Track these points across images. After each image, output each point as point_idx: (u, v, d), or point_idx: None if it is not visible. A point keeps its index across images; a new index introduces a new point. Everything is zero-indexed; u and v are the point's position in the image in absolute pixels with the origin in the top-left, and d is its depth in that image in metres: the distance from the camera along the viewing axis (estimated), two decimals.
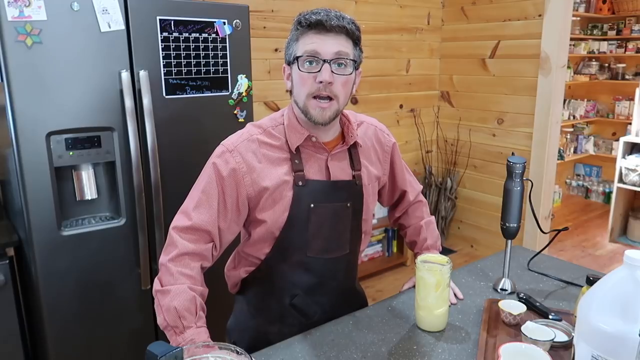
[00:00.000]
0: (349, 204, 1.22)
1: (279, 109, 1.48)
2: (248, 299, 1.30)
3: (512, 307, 1.17)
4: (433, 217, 1.48)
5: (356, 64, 1.14)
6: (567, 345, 1.06)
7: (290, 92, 1.18)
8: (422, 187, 1.48)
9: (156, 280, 1.12)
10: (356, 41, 1.14)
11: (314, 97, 1.10)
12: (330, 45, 1.08)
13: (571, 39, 3.77)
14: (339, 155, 1.21)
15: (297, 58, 1.10)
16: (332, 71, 1.08)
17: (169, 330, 1.07)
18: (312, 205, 1.16)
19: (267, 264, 1.22)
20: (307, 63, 1.09)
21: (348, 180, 1.21)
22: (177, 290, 1.08)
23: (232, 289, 1.34)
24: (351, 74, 1.13)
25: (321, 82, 1.08)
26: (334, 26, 1.08)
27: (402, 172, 1.41)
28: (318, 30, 1.08)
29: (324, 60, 1.08)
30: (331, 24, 1.07)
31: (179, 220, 1.15)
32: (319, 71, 1.08)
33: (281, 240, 1.18)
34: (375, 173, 1.30)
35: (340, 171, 1.21)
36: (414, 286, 1.27)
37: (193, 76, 1.87)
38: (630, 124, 4.19)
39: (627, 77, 4.80)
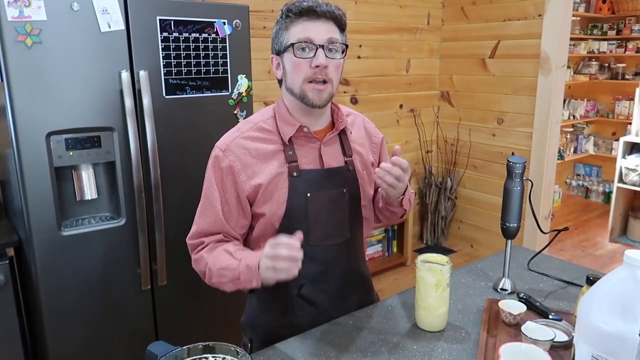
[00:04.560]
0: (344, 190, 1.24)
1: None
2: (258, 294, 1.32)
3: (512, 307, 1.17)
4: (412, 197, 1.37)
5: (345, 49, 1.19)
6: (567, 345, 1.06)
7: (280, 81, 1.23)
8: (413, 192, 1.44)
9: (203, 278, 1.22)
10: (343, 27, 1.19)
11: (310, 82, 1.14)
12: (321, 31, 1.13)
13: (571, 39, 3.77)
14: (331, 142, 1.25)
15: (291, 45, 1.13)
16: (325, 55, 1.13)
17: (239, 285, 1.13)
18: (308, 194, 1.19)
19: None
20: (301, 49, 1.13)
21: (341, 166, 1.24)
22: (211, 258, 1.17)
23: None
24: (341, 58, 1.18)
25: (317, 66, 1.12)
26: (324, 12, 1.13)
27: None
28: (309, 17, 1.13)
29: (317, 46, 1.12)
30: (322, 10, 1.13)
31: (192, 227, 1.24)
32: (314, 56, 1.12)
33: (282, 232, 1.19)
34: (369, 159, 1.33)
35: (333, 158, 1.24)
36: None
37: (193, 76, 1.87)
38: (630, 123, 4.19)
39: (627, 77, 4.81)
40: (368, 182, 1.31)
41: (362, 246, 1.38)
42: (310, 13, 1.12)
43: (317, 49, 1.12)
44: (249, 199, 1.20)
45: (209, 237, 1.21)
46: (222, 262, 1.14)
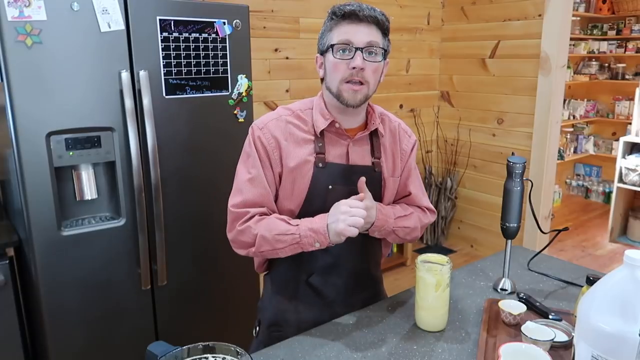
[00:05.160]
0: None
1: None
2: (272, 278, 1.36)
3: (512, 307, 1.17)
4: (420, 227, 1.37)
5: (385, 53, 1.21)
6: (567, 345, 1.06)
7: (322, 80, 1.27)
8: (433, 209, 1.42)
9: (247, 251, 1.23)
10: (385, 32, 1.21)
11: (347, 82, 1.17)
12: (362, 34, 1.16)
13: (571, 39, 3.77)
14: (361, 141, 1.27)
15: (332, 46, 1.17)
16: (363, 58, 1.16)
17: (297, 249, 1.17)
18: (330, 186, 1.23)
19: None
20: (341, 51, 1.17)
21: (367, 165, 1.27)
22: (262, 228, 1.18)
23: (258, 268, 1.39)
24: (381, 61, 1.20)
25: (354, 67, 1.15)
26: (366, 16, 1.16)
27: (410, 171, 1.38)
28: (351, 20, 1.16)
29: (357, 48, 1.15)
30: (364, 14, 1.16)
31: (234, 198, 1.24)
32: (352, 58, 1.16)
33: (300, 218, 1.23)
34: (398, 167, 1.34)
35: (360, 157, 1.27)
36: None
37: (193, 76, 1.87)
38: (630, 123, 4.19)
39: (627, 77, 4.80)
40: (393, 188, 1.33)
41: (378, 248, 1.39)
42: (352, 16, 1.16)
43: (355, 51, 1.15)
44: (279, 176, 1.24)
45: (255, 208, 1.22)
46: (279, 228, 1.16)
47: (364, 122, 1.29)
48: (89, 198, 1.75)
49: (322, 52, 1.23)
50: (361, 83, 1.17)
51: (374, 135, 1.29)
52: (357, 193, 1.23)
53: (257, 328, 1.37)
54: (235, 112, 2.00)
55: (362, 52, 1.15)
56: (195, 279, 2.00)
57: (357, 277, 1.33)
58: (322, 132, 1.24)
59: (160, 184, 1.81)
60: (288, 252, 1.18)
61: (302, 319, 1.25)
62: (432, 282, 1.14)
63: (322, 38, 1.22)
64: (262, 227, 1.18)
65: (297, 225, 1.16)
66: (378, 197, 1.28)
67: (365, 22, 1.16)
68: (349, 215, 1.10)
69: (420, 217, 1.37)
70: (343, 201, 1.14)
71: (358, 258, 1.32)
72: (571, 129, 4.88)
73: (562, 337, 1.08)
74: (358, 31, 1.16)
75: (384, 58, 1.22)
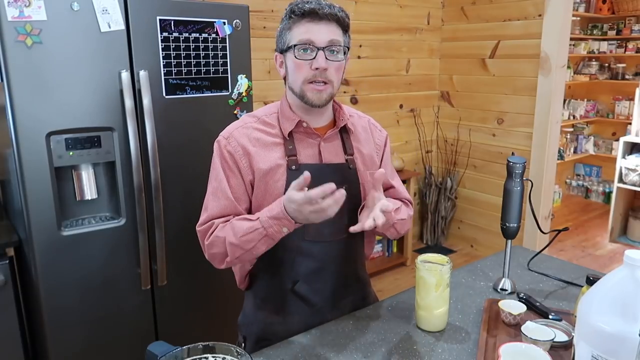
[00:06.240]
0: (344, 187, 1.22)
1: None
2: (254, 292, 1.33)
3: (512, 307, 1.17)
4: (410, 217, 1.37)
5: (347, 50, 1.19)
6: (567, 345, 1.06)
7: (284, 79, 1.24)
8: (412, 200, 1.42)
9: (225, 262, 1.19)
10: (346, 28, 1.19)
11: (310, 82, 1.15)
12: (323, 33, 1.14)
13: (571, 39, 3.77)
14: (331, 139, 1.25)
15: (293, 46, 1.15)
16: (326, 58, 1.14)
17: (269, 242, 1.12)
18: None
19: (267, 252, 1.22)
20: (302, 51, 1.14)
21: (341, 163, 1.25)
22: (228, 234, 1.14)
23: (240, 284, 1.36)
24: (343, 60, 1.18)
25: (317, 68, 1.13)
26: (327, 14, 1.13)
27: (387, 164, 1.38)
28: (311, 19, 1.14)
29: (319, 48, 1.13)
30: (324, 12, 1.13)
31: (201, 217, 1.23)
32: (314, 58, 1.14)
33: None
34: (375, 161, 1.32)
35: (333, 155, 1.24)
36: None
37: (193, 76, 1.87)
38: (630, 123, 4.19)
39: (627, 77, 4.81)
40: (370, 183, 1.30)
41: (362, 249, 1.36)
42: (312, 15, 1.13)
43: (317, 51, 1.13)
44: (251, 184, 1.22)
45: (220, 219, 1.20)
46: (242, 229, 1.12)
47: (332, 120, 1.27)
48: (89, 198, 1.75)
49: (282, 51, 1.20)
50: (325, 83, 1.15)
51: (344, 132, 1.27)
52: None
53: (243, 345, 1.31)
54: (236, 112, 2.00)
55: (324, 51, 1.13)
56: (196, 279, 2.00)
57: (344, 280, 1.29)
58: (290, 134, 1.21)
59: (160, 184, 1.81)
60: (262, 247, 1.14)
61: (291, 330, 1.21)
62: (432, 282, 1.14)
63: (282, 36, 1.19)
64: (228, 234, 1.14)
65: (258, 218, 1.11)
66: (358, 193, 1.26)
67: (326, 20, 1.14)
68: (319, 214, 1.04)
69: (406, 209, 1.36)
70: (301, 201, 1.02)
71: (343, 259, 1.28)
72: (571, 129, 4.88)
73: (562, 337, 1.08)
74: (318, 30, 1.13)
75: (345, 55, 1.19)
